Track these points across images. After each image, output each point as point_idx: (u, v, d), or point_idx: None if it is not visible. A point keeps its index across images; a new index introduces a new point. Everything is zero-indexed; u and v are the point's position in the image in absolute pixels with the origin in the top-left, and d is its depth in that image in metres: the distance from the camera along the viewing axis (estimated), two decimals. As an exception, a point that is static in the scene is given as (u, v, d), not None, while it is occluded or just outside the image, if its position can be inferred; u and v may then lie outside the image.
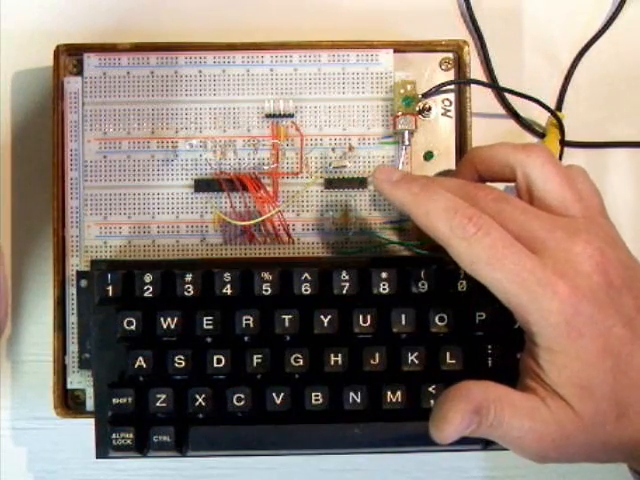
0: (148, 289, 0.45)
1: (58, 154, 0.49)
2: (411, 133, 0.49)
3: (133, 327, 0.45)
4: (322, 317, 0.45)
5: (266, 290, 0.45)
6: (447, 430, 0.39)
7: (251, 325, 0.45)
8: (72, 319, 0.49)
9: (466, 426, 0.39)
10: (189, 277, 0.45)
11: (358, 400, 0.45)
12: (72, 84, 0.49)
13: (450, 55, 0.51)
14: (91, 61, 0.49)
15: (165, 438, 0.45)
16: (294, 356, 0.45)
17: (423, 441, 0.45)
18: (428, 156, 0.50)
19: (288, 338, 0.46)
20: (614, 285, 0.40)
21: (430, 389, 0.45)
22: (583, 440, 0.39)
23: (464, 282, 0.45)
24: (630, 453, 0.40)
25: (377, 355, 0.45)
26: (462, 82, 0.50)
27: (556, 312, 0.39)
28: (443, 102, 0.51)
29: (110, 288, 0.45)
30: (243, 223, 0.49)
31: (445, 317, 0.45)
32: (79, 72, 0.50)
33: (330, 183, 0.50)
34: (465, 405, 0.39)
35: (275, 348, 0.45)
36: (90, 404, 0.48)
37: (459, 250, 0.40)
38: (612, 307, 0.39)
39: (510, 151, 0.44)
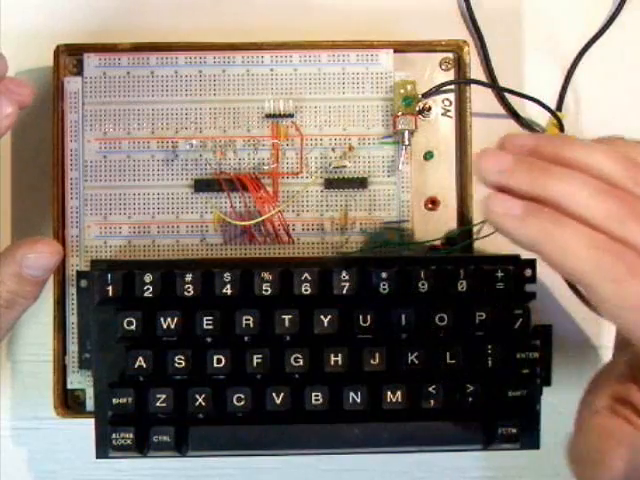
0: (148, 289, 0.45)
1: (58, 154, 0.49)
2: (411, 133, 0.49)
3: (133, 327, 0.45)
4: (322, 317, 0.45)
5: (266, 290, 0.45)
6: None
7: (251, 325, 0.45)
8: (72, 319, 0.49)
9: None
10: (189, 277, 0.45)
11: (358, 400, 0.45)
12: (72, 84, 0.49)
13: (450, 55, 0.51)
14: (91, 61, 0.49)
15: (165, 438, 0.45)
16: (294, 356, 0.45)
17: (423, 441, 0.46)
18: (428, 156, 0.50)
19: (288, 338, 0.46)
20: None
21: (430, 389, 0.45)
22: None
23: (464, 282, 0.45)
24: None
25: (377, 355, 0.45)
26: (462, 82, 0.50)
27: None
28: (443, 102, 0.51)
29: (110, 288, 0.45)
30: (243, 223, 0.49)
31: (445, 317, 0.45)
32: (79, 72, 0.50)
33: (330, 183, 0.50)
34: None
35: (275, 348, 0.45)
36: (90, 404, 0.49)
37: (604, 292, 0.35)
38: None
39: None
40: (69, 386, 0.49)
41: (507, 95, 0.53)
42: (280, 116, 0.50)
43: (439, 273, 0.45)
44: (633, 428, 0.37)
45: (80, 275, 0.48)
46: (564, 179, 0.35)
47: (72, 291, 0.49)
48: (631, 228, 0.35)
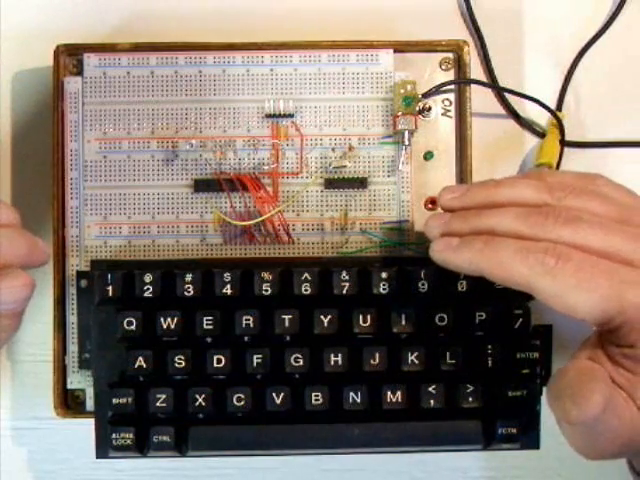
0: (148, 289, 0.45)
1: (58, 154, 0.49)
2: (411, 133, 0.49)
3: (133, 327, 0.45)
4: (322, 317, 0.45)
5: (266, 290, 0.45)
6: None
7: (251, 325, 0.45)
8: (72, 319, 0.49)
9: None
10: (189, 277, 0.45)
11: (358, 400, 0.45)
12: (72, 84, 0.49)
13: (450, 55, 0.51)
14: (91, 61, 0.49)
15: (165, 438, 0.45)
16: (294, 356, 0.45)
17: (423, 441, 0.46)
18: (428, 156, 0.50)
19: (288, 338, 0.46)
20: None
21: (430, 389, 0.45)
22: None
23: (464, 282, 0.45)
24: None
25: (377, 355, 0.45)
26: (462, 82, 0.50)
27: None
28: (443, 102, 0.51)
29: (110, 288, 0.45)
30: (243, 223, 0.49)
31: (445, 317, 0.45)
32: (79, 72, 0.50)
33: (330, 183, 0.50)
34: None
35: (275, 348, 0.45)
36: (90, 404, 0.48)
37: (544, 286, 0.38)
38: None
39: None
40: (69, 386, 0.49)
41: (507, 95, 0.53)
42: (280, 116, 0.50)
43: (439, 273, 0.45)
44: (608, 374, 0.39)
45: (80, 275, 0.48)
46: (493, 212, 0.40)
47: (72, 291, 0.49)
48: (553, 228, 0.38)
